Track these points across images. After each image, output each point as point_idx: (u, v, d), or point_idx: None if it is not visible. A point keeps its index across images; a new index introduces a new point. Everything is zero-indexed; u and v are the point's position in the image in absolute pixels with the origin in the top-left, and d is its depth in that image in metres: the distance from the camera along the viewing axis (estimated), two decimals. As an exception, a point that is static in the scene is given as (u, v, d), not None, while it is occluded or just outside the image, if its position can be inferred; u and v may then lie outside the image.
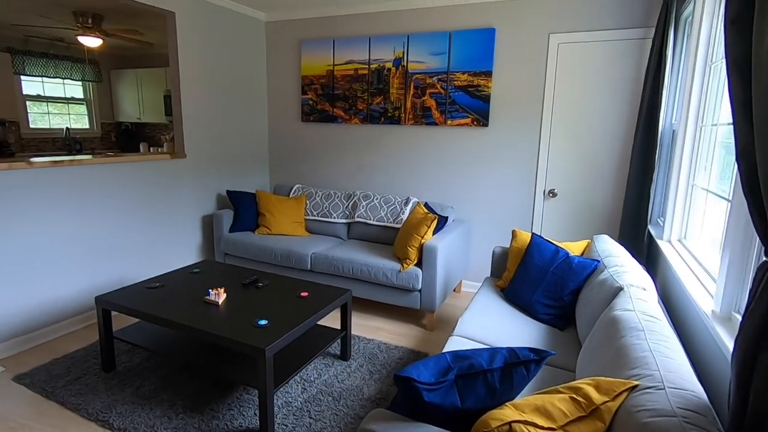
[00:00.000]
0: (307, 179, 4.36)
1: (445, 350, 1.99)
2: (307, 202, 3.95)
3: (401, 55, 3.70)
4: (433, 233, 3.08)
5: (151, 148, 6.40)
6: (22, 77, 5.55)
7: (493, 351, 1.40)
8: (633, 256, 2.77)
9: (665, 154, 2.79)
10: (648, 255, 2.83)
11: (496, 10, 3.38)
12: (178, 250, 3.68)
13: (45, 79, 5.81)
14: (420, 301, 3.02)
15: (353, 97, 3.97)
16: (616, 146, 3.21)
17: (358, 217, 3.69)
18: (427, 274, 2.97)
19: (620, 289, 1.90)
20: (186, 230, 3.73)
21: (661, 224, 2.74)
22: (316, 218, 3.87)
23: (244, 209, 3.80)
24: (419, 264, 3.03)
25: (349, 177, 4.16)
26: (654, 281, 2.49)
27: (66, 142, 5.96)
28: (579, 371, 1.70)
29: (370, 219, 3.64)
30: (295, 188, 4.09)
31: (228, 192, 3.80)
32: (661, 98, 2.58)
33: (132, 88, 6.28)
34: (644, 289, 1.89)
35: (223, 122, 3.94)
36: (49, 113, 5.94)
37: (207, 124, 3.79)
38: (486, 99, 3.49)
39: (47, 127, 5.91)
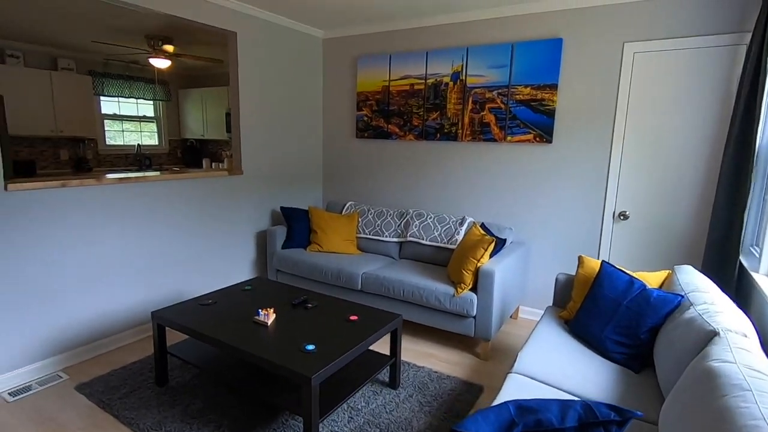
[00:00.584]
0: (360, 196, 4.31)
1: (503, 391, 1.81)
2: (359, 219, 3.89)
3: (459, 69, 3.58)
4: (490, 256, 2.89)
5: (213, 164, 6.68)
6: (101, 97, 6.01)
7: (565, 405, 1.21)
8: (723, 292, 2.43)
9: (762, 174, 2.45)
10: (738, 289, 2.47)
11: (564, 19, 3.18)
12: (234, 266, 3.74)
13: (121, 99, 6.26)
14: (474, 329, 2.84)
15: (408, 113, 3.89)
16: (700, 164, 2.87)
17: (410, 236, 3.57)
18: (482, 300, 2.78)
19: (714, 333, 1.63)
20: (241, 246, 3.79)
21: (757, 254, 2.39)
22: (368, 236, 3.80)
23: (297, 226, 3.81)
24: (474, 288, 2.86)
25: (402, 195, 4.06)
26: (753, 324, 2.15)
27: (137, 158, 6.37)
28: (664, 427, 1.46)
29: (423, 239, 3.51)
30: (347, 205, 4.05)
31: (282, 208, 3.83)
32: (759, 111, 2.27)
33: (197, 106, 6.61)
34: (745, 336, 1.62)
35: (279, 139, 4.00)
36: (123, 131, 6.38)
37: (264, 141, 3.86)
38: (550, 114, 3.28)
39: (121, 143, 6.34)
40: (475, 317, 2.83)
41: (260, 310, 2.31)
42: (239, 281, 3.83)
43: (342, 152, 4.37)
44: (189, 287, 3.40)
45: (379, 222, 3.79)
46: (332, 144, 4.42)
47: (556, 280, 2.66)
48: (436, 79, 3.71)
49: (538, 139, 3.34)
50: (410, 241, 3.59)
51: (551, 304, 2.93)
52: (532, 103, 3.33)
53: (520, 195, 3.50)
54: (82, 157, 5.80)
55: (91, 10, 3.69)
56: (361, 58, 4.06)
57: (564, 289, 2.64)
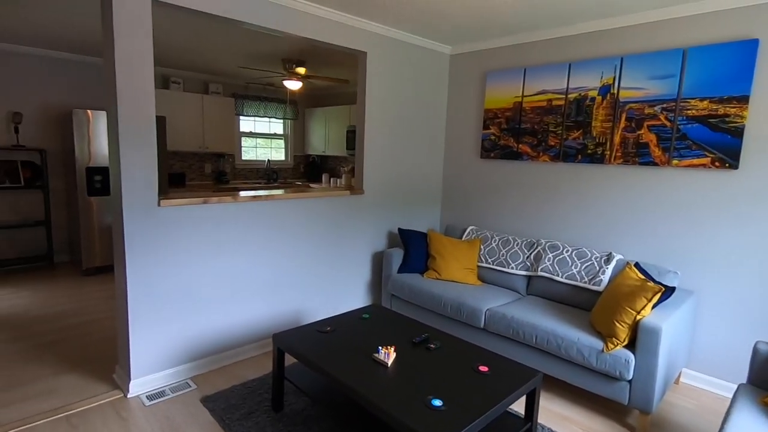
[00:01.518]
0: (483, 221, 3.98)
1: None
2: (482, 247, 3.56)
3: (611, 81, 3.09)
4: (653, 306, 2.35)
5: (332, 179, 6.89)
6: (241, 117, 6.59)
7: None
8: None
9: None
10: None
11: (763, 16, 2.53)
12: (350, 286, 3.67)
13: (256, 118, 6.80)
14: (629, 396, 2.31)
15: (543, 132, 3.47)
16: None
17: (542, 270, 3.14)
18: (642, 362, 2.26)
19: None
20: (358, 266, 3.71)
21: None
22: (491, 266, 3.45)
23: (414, 249, 3.61)
24: (631, 345, 2.34)
25: (532, 222, 3.64)
26: None
27: (266, 172, 6.83)
28: None
29: (558, 275, 3.05)
30: (468, 230, 3.75)
31: (399, 230, 3.67)
32: None
33: (320, 124, 6.91)
34: None
35: (400, 158, 3.87)
36: (256, 147, 6.92)
37: (385, 160, 3.76)
38: (736, 132, 2.62)
39: (254, 158, 6.88)
40: (630, 381, 2.31)
41: (380, 348, 2.13)
42: (355, 303, 3.75)
43: (464, 173, 4.09)
44: (308, 304, 3.39)
45: (504, 251, 3.42)
46: (454, 164, 4.18)
47: (756, 350, 2.04)
48: (579, 94, 3.25)
49: (717, 163, 2.70)
50: (541, 276, 3.16)
51: (745, 382, 2.28)
52: (710, 120, 2.70)
53: (687, 231, 2.85)
54: (221, 170, 6.39)
55: (239, 39, 3.99)
56: (491, 73, 3.76)
57: (767, 365, 2.00)
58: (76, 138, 4.53)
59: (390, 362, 2.07)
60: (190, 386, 2.68)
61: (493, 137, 3.81)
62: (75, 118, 4.50)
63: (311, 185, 6.77)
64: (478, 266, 3.54)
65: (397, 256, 3.64)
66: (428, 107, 4.04)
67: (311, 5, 3.01)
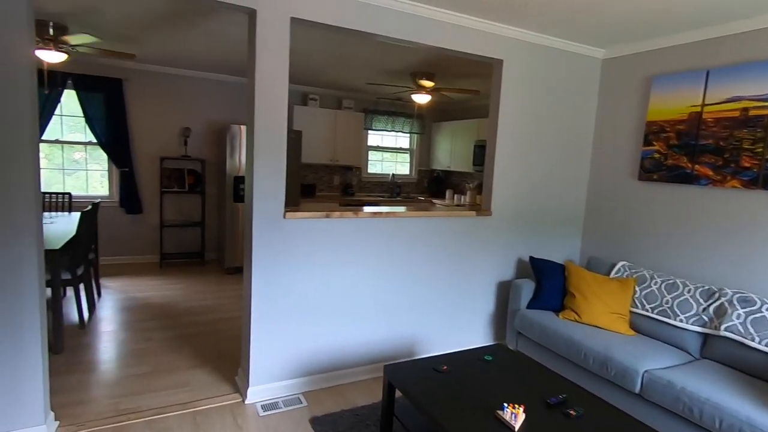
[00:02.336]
0: (639, 257, 3.30)
1: None
2: (637, 288, 2.93)
3: None
4: None
5: (455, 195, 6.61)
6: (369, 131, 6.73)
7: None
8: None
9: None
10: None
11: None
12: (470, 316, 3.34)
13: (384, 132, 6.88)
14: None
15: (733, 149, 2.73)
16: None
17: (727, 329, 2.42)
18: None
19: None
20: (480, 295, 3.36)
21: None
22: (649, 314, 2.80)
23: (549, 282, 3.14)
24: None
25: (710, 264, 2.88)
26: None
27: (390, 186, 6.85)
28: None
29: (753, 339, 2.31)
30: (619, 267, 3.14)
31: (531, 259, 3.23)
32: None
33: (446, 138, 6.70)
34: None
35: (535, 177, 3.43)
36: (382, 161, 7.00)
37: (518, 178, 3.36)
38: None
39: (379, 172, 6.96)
40: None
41: (506, 405, 1.78)
42: (475, 336, 3.40)
43: (615, 197, 3.46)
44: (423, 332, 3.16)
45: (668, 297, 2.75)
46: (601, 186, 3.57)
47: None
48: (793, 100, 2.47)
49: None
50: (725, 337, 2.44)
51: None
52: None
53: None
54: (348, 182, 6.58)
55: (371, 54, 4.01)
56: (658, 77, 3.12)
57: None
58: (228, 150, 5.04)
59: (518, 427, 1.71)
60: (302, 402, 2.65)
61: (657, 155, 3.14)
62: (229, 133, 5.02)
63: (434, 201, 6.58)
64: (632, 312, 2.91)
65: (528, 288, 3.20)
66: (571, 120, 3.52)
67: (445, 12, 2.81)
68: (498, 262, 3.39)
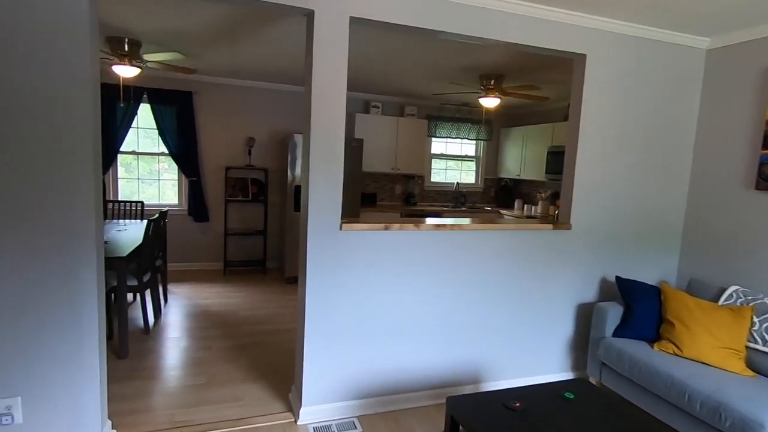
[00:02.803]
0: (756, 281, 2.75)
1: None
2: (756, 320, 2.42)
3: None
4: None
5: (525, 205, 6.17)
6: (433, 139, 6.50)
7: None
8: None
9: None
10: None
11: None
12: (545, 343, 2.98)
13: (448, 139, 6.61)
14: None
15: None
16: None
17: None
18: None
19: None
20: (556, 319, 2.98)
21: None
22: (776, 353, 2.29)
23: (640, 307, 2.70)
24: None
25: None
26: None
27: (454, 195, 6.56)
28: None
29: None
30: (730, 292, 2.63)
31: (618, 279, 2.81)
32: None
33: (517, 145, 6.29)
34: None
35: (622, 185, 3.00)
36: (446, 169, 6.72)
37: (602, 187, 2.96)
38: None
39: (442, 181, 6.69)
40: None
41: (598, 464, 1.45)
42: (549, 366, 3.01)
43: (723, 208, 2.94)
44: (489, 358, 2.85)
45: (802, 334, 2.22)
46: (706, 195, 3.05)
47: None
48: None
49: None
50: None
51: None
52: None
53: None
54: (410, 191, 6.38)
55: (435, 57, 3.79)
56: (783, 67, 2.60)
57: None
58: (289, 159, 5.05)
59: (615, 494, 1.38)
60: (356, 427, 2.45)
61: (781, 159, 2.61)
62: (291, 142, 5.03)
63: (502, 211, 6.18)
64: (749, 347, 2.41)
65: (614, 312, 2.78)
66: (667, 121, 3.06)
67: (519, 4, 2.53)
68: (578, 281, 3.00)
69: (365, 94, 5.98)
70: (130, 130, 5.09)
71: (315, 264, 2.39)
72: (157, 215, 3.65)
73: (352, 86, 5.51)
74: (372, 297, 2.54)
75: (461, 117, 6.51)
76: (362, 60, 4.11)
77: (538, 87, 4.48)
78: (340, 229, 2.41)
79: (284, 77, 5.12)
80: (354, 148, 5.20)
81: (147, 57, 3.80)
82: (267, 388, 2.82)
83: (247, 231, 5.60)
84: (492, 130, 6.71)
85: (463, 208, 6.27)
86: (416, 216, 5.87)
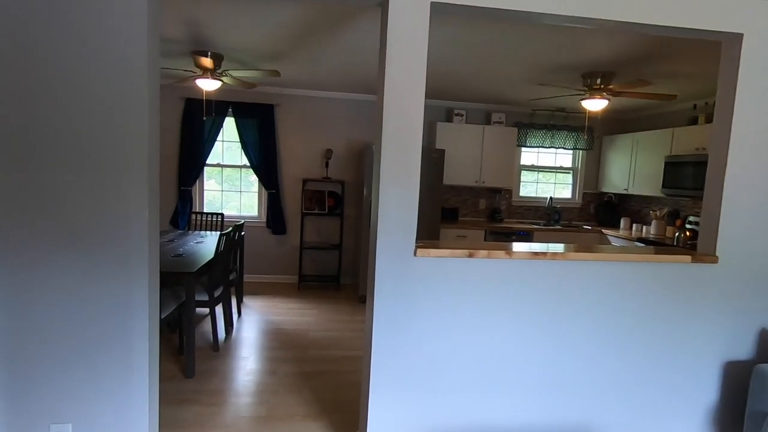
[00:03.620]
0: None
1: None
2: None
3: None
4: None
5: (634, 225, 5.29)
6: (522, 149, 5.87)
7: None
8: None
9: None
10: None
11: None
12: (674, 406, 2.30)
13: (540, 149, 5.94)
14: None
15: None
16: None
17: None
18: None
19: None
20: (693, 378, 2.29)
21: None
22: None
23: (829, 378, 1.93)
24: None
25: None
26: None
27: (546, 212, 5.85)
28: None
29: None
30: None
31: (792, 335, 2.07)
32: None
33: (624, 154, 5.43)
34: None
35: (793, 207, 2.25)
36: (537, 182, 6.04)
37: (764, 209, 2.23)
38: None
39: (533, 195, 6.01)
40: None
41: None
42: (680, 434, 2.33)
43: None
44: (604, 419, 2.25)
45: None
46: None
47: None
48: None
49: None
50: None
51: None
52: None
53: None
54: (496, 206, 5.81)
55: (531, 54, 3.28)
56: None
57: None
58: (365, 171, 4.79)
59: None
60: (428, 497, 2.01)
61: None
62: (368, 153, 4.77)
63: (604, 231, 5.35)
64: None
65: (785, 381, 2.04)
66: None
67: (652, -29, 1.97)
68: (727, 331, 2.28)
69: (448, 101, 5.58)
70: (216, 143, 5.21)
71: (384, 295, 2.03)
72: (230, 228, 3.57)
73: (433, 93, 5.14)
74: (453, 338, 2.11)
75: (556, 124, 5.81)
76: (444, 63, 3.72)
77: (649, 82, 3.73)
78: (415, 254, 2.02)
79: (361, 87, 4.91)
80: (434, 160, 4.81)
81: (232, 74, 3.79)
82: (328, 429, 2.50)
83: (323, 245, 5.44)
84: (593, 138, 5.90)
85: (558, 227, 5.54)
86: (502, 234, 5.28)
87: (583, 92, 3.94)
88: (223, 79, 4.01)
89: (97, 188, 1.75)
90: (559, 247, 2.26)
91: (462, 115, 5.51)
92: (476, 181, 5.47)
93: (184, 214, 5.12)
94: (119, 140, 1.74)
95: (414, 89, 1.95)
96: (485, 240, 5.25)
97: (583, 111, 5.46)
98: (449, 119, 5.60)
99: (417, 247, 2.03)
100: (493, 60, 3.58)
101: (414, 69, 1.94)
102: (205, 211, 5.33)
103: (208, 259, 3.25)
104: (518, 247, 2.22)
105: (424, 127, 5.59)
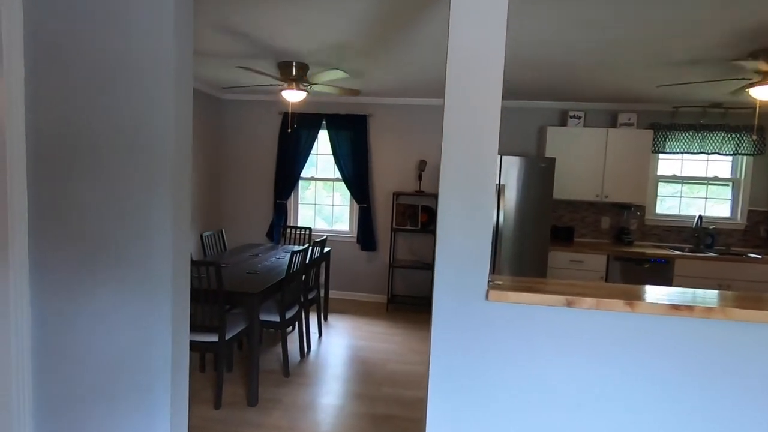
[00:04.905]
0: None
1: None
2: None
3: None
4: None
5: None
6: (660, 155, 4.77)
7: None
8: None
9: None
10: None
11: None
12: None
13: (685, 156, 4.76)
14: None
15: None
16: None
17: None
18: None
19: None
20: None
21: None
22: None
23: None
24: None
25: None
26: None
27: (694, 233, 4.64)
28: None
29: None
30: None
31: None
32: None
33: (815, 160, 4.03)
34: None
35: None
36: (680, 196, 4.85)
37: None
38: None
39: (674, 213, 4.84)
40: None
41: None
42: None
43: None
44: None
45: None
46: None
47: None
48: None
49: None
50: None
51: None
52: None
53: None
54: (623, 226, 4.80)
55: (677, 29, 2.49)
56: None
57: None
58: (460, 184, 4.27)
59: None
60: None
61: None
62: (462, 164, 4.26)
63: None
64: None
65: None
66: None
67: None
68: None
69: (561, 102, 4.78)
70: (311, 156, 5.19)
71: (442, 351, 1.54)
72: (306, 245, 3.37)
73: (540, 94, 4.42)
74: (539, 417, 1.52)
75: (709, 123, 4.60)
76: (557, 55, 3.07)
77: None
78: (487, 297, 1.50)
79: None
80: (542, 170, 4.09)
81: (315, 79, 3.66)
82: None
83: (415, 264, 5.03)
84: (765, 140, 4.54)
85: (710, 254, 4.33)
86: (632, 260, 4.29)
87: (755, 77, 2.93)
88: (308, 89, 3.89)
89: (123, 204, 1.59)
90: (712, 297, 1.53)
91: (579, 118, 4.66)
92: (597, 196, 4.56)
93: (278, 227, 5.17)
94: (145, 156, 1.57)
95: (488, 77, 1.46)
96: (608, 267, 4.32)
97: (749, 104, 4.22)
98: (563, 123, 4.80)
99: (490, 287, 1.50)
100: (621, 43, 2.83)
101: (489, 49, 1.45)
102: (298, 225, 5.33)
103: (280, 278, 3.08)
104: (647, 293, 1.54)
105: (532, 134, 4.87)
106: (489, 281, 1.55)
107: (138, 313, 1.61)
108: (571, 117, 4.67)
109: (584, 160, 4.55)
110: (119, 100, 1.57)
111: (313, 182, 5.39)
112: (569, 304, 1.47)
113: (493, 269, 4.21)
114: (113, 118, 1.57)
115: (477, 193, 1.50)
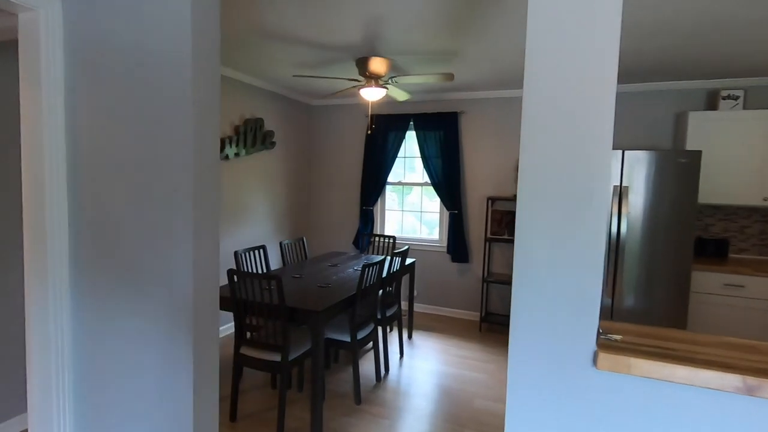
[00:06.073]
0: None
1: None
2: None
3: None
4: None
5: None
6: None
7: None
8: None
9: None
10: None
11: None
12: None
13: None
14: None
15: None
16: None
17: None
18: None
19: None
20: None
21: None
22: None
23: None
24: None
25: None
26: None
27: None
28: None
29: None
30: None
31: None
32: None
33: None
34: None
35: None
36: None
37: None
38: None
39: None
40: None
41: None
42: None
43: None
44: None
45: None
46: None
47: None
48: None
49: None
50: None
51: None
52: None
53: None
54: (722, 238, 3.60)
55: None
56: None
57: None
58: (569, 187, 3.56)
59: None
60: None
61: None
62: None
63: None
64: None
65: None
66: None
67: None
68: None
69: (709, 80, 3.76)
70: (397, 159, 4.86)
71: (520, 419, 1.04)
72: (383, 257, 3.02)
73: (677, 72, 3.49)
74: None
75: None
76: (706, 16, 2.29)
77: None
78: (595, 364, 0.97)
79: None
80: (683, 167, 3.21)
81: (399, 81, 3.32)
82: None
83: (512, 279, 4.37)
84: None
85: None
86: (821, 288, 3.13)
87: None
88: (393, 82, 3.55)
89: (149, 222, 1.39)
90: None
91: (737, 98, 3.60)
92: (765, 199, 3.46)
93: (364, 234, 4.93)
94: (166, 174, 1.35)
95: (595, 45, 0.94)
96: (782, 295, 3.23)
97: None
98: (712, 106, 3.77)
99: (601, 346, 0.97)
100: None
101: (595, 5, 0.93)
102: (385, 232, 5.03)
103: (351, 294, 2.77)
104: None
105: (667, 122, 3.92)
106: (599, 334, 1.02)
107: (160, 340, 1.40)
108: (724, 98, 3.63)
109: (743, 153, 3.49)
110: (142, 110, 1.38)
111: (400, 187, 5.06)
112: (750, 392, 0.87)
113: (612, 304, 3.40)
114: (133, 129, 1.39)
115: (577, 205, 0.98)
